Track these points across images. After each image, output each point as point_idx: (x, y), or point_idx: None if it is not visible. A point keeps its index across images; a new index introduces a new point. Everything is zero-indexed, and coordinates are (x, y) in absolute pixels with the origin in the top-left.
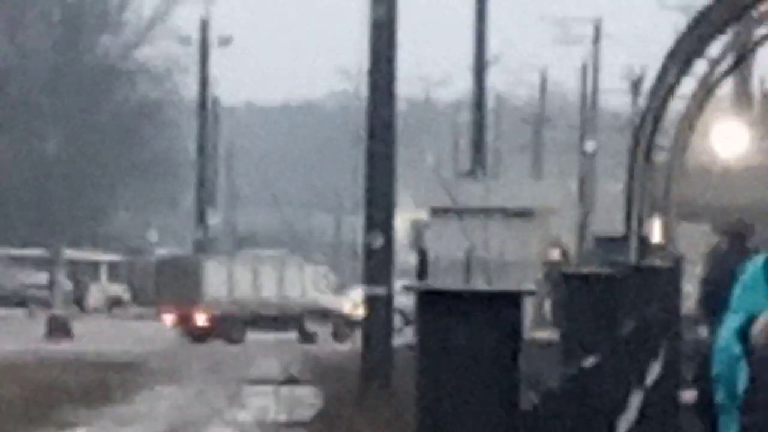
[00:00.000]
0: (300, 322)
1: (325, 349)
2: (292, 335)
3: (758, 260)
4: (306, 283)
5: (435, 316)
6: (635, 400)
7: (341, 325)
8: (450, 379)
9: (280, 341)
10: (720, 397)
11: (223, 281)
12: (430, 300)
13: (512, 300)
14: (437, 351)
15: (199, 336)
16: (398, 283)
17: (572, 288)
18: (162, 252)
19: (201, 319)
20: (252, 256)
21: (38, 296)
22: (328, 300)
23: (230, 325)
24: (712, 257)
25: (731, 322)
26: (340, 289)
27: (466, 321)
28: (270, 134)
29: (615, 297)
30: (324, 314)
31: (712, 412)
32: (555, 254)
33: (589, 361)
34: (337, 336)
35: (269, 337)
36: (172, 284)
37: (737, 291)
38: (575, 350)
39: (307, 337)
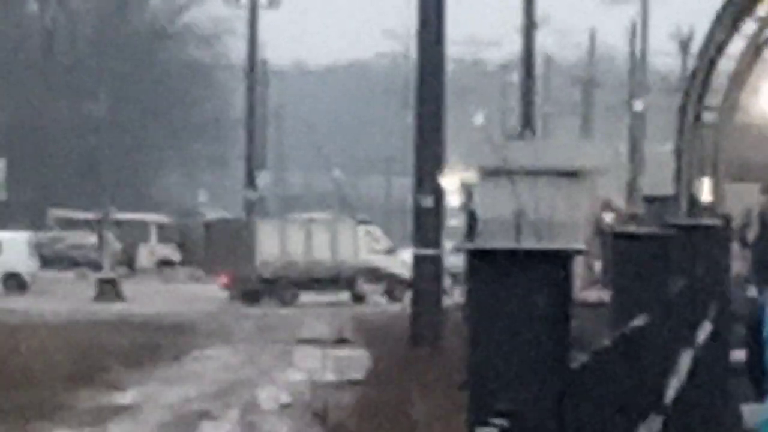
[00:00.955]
0: (352, 283)
1: (375, 310)
2: (345, 297)
3: None
4: (358, 245)
5: (486, 275)
6: (685, 360)
7: (394, 285)
8: (500, 338)
9: (333, 303)
10: None
11: (276, 243)
12: (480, 260)
13: (562, 259)
14: (488, 310)
15: (251, 298)
16: (447, 244)
17: (622, 248)
18: (212, 214)
19: (254, 282)
20: (305, 218)
21: (88, 258)
22: (380, 261)
23: (283, 288)
24: (762, 217)
25: None
26: (392, 250)
27: (517, 280)
28: (319, 96)
29: (665, 257)
30: (377, 275)
31: (761, 372)
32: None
33: (639, 321)
34: (390, 296)
35: (322, 298)
36: (224, 247)
37: None
38: (625, 310)
39: (358, 299)
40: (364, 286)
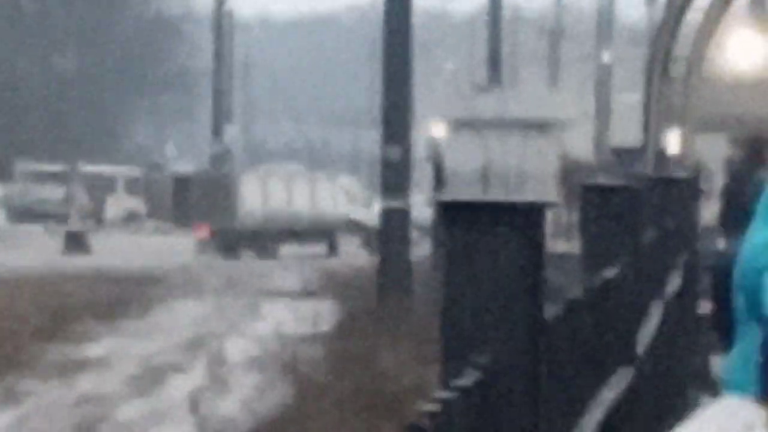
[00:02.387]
0: (331, 235)
1: (346, 262)
2: (324, 249)
3: None
4: (337, 197)
5: (459, 228)
6: (656, 310)
7: (371, 237)
8: (474, 291)
9: (307, 255)
10: (739, 307)
11: (258, 196)
12: (453, 212)
13: (535, 211)
14: (461, 263)
15: (230, 250)
16: (416, 196)
17: (591, 200)
18: (180, 166)
19: (235, 234)
20: (285, 170)
21: (55, 211)
22: (358, 213)
23: (264, 240)
24: (730, 169)
25: (756, 232)
26: (369, 202)
27: (490, 233)
28: (286, 48)
29: (634, 208)
30: (355, 227)
31: (727, 323)
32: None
33: (610, 273)
34: (369, 247)
35: (301, 251)
36: (205, 199)
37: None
38: (596, 262)
39: (333, 250)
40: (343, 239)
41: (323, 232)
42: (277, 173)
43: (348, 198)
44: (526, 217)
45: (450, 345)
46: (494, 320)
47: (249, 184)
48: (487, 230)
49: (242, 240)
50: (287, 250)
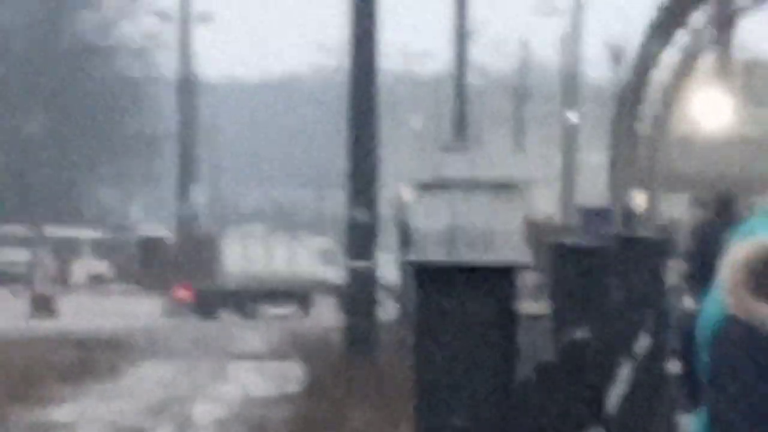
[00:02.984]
0: (306, 295)
1: (317, 323)
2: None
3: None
4: (313, 258)
5: (429, 289)
6: (625, 371)
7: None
8: (445, 352)
9: (287, 315)
10: (703, 369)
11: (239, 256)
12: (424, 273)
13: (507, 272)
14: (432, 324)
15: (209, 311)
16: (382, 257)
17: (561, 260)
18: (146, 229)
19: (217, 294)
20: (263, 231)
21: (20, 274)
22: (333, 273)
23: (244, 300)
24: (697, 229)
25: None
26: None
27: (461, 294)
28: (251, 110)
29: (603, 269)
30: (330, 287)
31: (695, 382)
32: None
33: (581, 333)
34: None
35: (281, 311)
36: (186, 259)
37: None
38: (566, 322)
39: (305, 311)
40: (318, 299)
41: (300, 293)
42: (256, 234)
43: (324, 259)
44: (497, 279)
45: (422, 406)
46: (466, 381)
47: (231, 245)
48: (458, 292)
49: (223, 300)
50: (266, 310)
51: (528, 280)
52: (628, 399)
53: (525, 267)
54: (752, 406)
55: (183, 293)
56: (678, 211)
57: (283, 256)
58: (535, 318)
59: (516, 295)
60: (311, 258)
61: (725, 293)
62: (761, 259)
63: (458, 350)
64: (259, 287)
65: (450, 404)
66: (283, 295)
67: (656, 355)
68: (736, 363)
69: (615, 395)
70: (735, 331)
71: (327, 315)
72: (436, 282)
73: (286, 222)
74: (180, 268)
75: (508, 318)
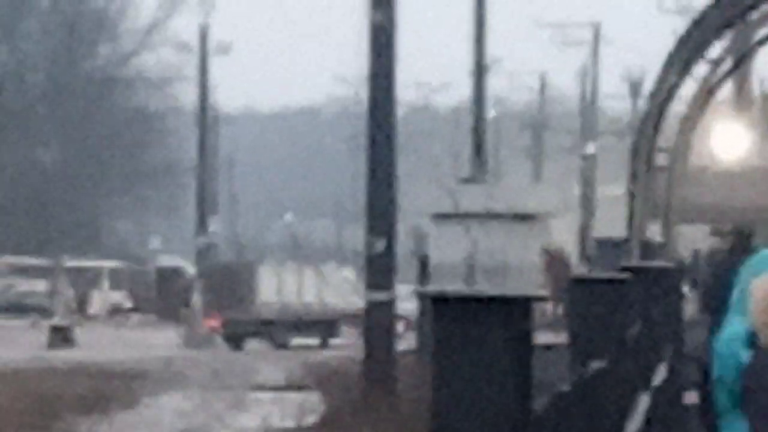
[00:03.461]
0: (335, 326)
1: (338, 354)
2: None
3: (755, 259)
4: (341, 289)
5: (447, 320)
6: (642, 402)
7: None
8: (462, 383)
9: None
10: (721, 400)
11: (273, 287)
12: (441, 305)
13: (523, 304)
14: (449, 355)
15: (241, 341)
16: (400, 289)
17: (579, 292)
18: (164, 261)
19: (249, 324)
20: (293, 262)
21: (39, 305)
22: (359, 304)
23: (274, 330)
24: (714, 260)
25: (733, 324)
26: None
27: (478, 325)
28: (270, 140)
29: (621, 301)
30: (357, 319)
31: (713, 414)
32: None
33: (598, 365)
34: None
35: (308, 341)
36: (220, 291)
37: (737, 292)
38: (583, 353)
39: (326, 342)
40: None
41: (328, 323)
42: (287, 265)
43: (352, 289)
44: (513, 310)
45: None
46: (483, 412)
47: (264, 275)
48: (475, 323)
49: (254, 330)
50: (295, 340)
51: (547, 311)
52: (646, 430)
53: (540, 299)
54: None
55: (212, 323)
56: (696, 242)
57: (312, 286)
58: (549, 348)
59: (531, 326)
60: (338, 289)
61: (757, 327)
62: None
63: (475, 380)
64: (290, 317)
65: None
66: (312, 326)
67: (674, 386)
68: None
69: (633, 427)
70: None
71: (350, 345)
72: (453, 312)
73: (304, 253)
74: (209, 299)
75: (524, 348)
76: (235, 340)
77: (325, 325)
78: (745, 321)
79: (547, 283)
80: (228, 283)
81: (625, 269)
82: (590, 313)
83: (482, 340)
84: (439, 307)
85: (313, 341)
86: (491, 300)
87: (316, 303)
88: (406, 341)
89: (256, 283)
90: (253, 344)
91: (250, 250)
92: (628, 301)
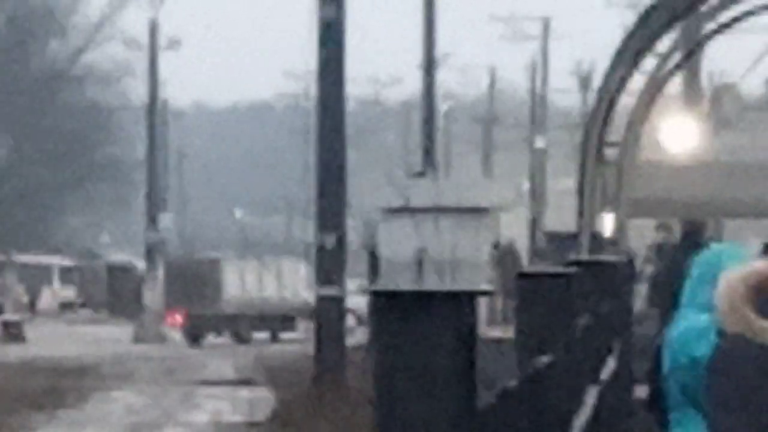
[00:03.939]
0: (292, 321)
1: (282, 349)
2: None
3: (707, 254)
4: (299, 284)
5: (391, 316)
6: (590, 396)
7: None
8: (407, 379)
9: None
10: (673, 393)
11: (237, 282)
12: (385, 301)
13: (467, 300)
14: (393, 351)
15: (201, 337)
16: (350, 284)
17: (526, 286)
18: (114, 256)
19: (213, 319)
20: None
21: None
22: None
23: (241, 325)
24: (661, 254)
25: (687, 318)
26: None
27: (422, 321)
28: (220, 136)
29: (569, 294)
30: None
31: (663, 408)
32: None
33: (545, 360)
34: None
35: (271, 335)
36: (184, 286)
37: (689, 286)
38: (530, 348)
39: (274, 337)
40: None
41: (285, 318)
42: (249, 260)
43: (308, 284)
44: (457, 306)
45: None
46: (427, 408)
47: (230, 271)
48: (418, 319)
49: (219, 326)
50: (257, 334)
51: (497, 304)
52: (594, 425)
53: (484, 294)
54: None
55: (174, 318)
56: (645, 236)
57: (271, 281)
58: (500, 343)
59: (475, 321)
60: (295, 283)
61: (724, 314)
62: (760, 280)
63: (418, 376)
64: (253, 312)
65: (410, 429)
66: (272, 320)
67: (623, 380)
68: (745, 379)
69: (580, 421)
70: (739, 349)
71: (305, 340)
72: (396, 309)
73: (255, 249)
74: (172, 294)
75: (468, 344)
76: (196, 335)
77: (281, 320)
78: (702, 316)
79: (498, 278)
80: (192, 279)
81: (573, 263)
82: (537, 308)
83: (426, 335)
84: (381, 302)
85: (278, 335)
86: (434, 295)
87: (275, 298)
88: (356, 336)
89: (222, 278)
90: (210, 339)
91: (200, 246)
92: (577, 296)
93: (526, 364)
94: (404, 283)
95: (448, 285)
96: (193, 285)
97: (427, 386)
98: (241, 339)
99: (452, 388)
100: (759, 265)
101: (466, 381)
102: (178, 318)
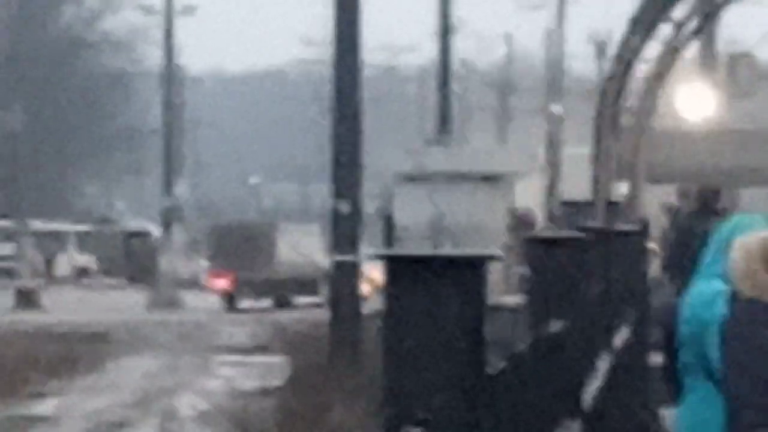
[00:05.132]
0: (315, 286)
1: (299, 316)
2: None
3: (725, 225)
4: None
5: (400, 281)
6: (603, 364)
7: None
8: (416, 344)
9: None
10: (687, 360)
11: (286, 248)
12: (395, 266)
13: (476, 265)
14: (403, 316)
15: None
16: (367, 250)
17: (538, 252)
18: (131, 223)
19: (261, 284)
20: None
21: (5, 267)
22: None
23: (287, 289)
24: (679, 221)
25: (700, 286)
26: None
27: (431, 286)
28: (236, 102)
29: (581, 261)
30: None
31: (677, 375)
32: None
33: (556, 326)
34: None
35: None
36: (234, 249)
37: (707, 255)
38: (542, 315)
39: (286, 303)
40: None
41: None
42: (295, 226)
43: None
44: (466, 271)
45: (392, 400)
46: (436, 374)
47: (282, 236)
48: (427, 284)
49: (265, 290)
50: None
51: (512, 271)
52: (607, 392)
53: (492, 258)
54: None
55: (221, 283)
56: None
57: (312, 247)
58: (512, 310)
59: (484, 286)
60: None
61: (740, 279)
62: None
63: (426, 341)
64: (297, 276)
65: (419, 395)
66: (314, 285)
67: (637, 347)
68: (760, 342)
69: (592, 388)
70: (755, 313)
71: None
72: (404, 274)
73: (270, 215)
74: (219, 259)
75: (477, 310)
76: (236, 299)
77: (311, 284)
78: (715, 282)
79: (514, 245)
80: (243, 242)
81: (585, 229)
82: (548, 274)
83: (434, 300)
84: (391, 267)
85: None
86: (442, 260)
87: (315, 263)
88: (372, 303)
89: (276, 243)
90: (248, 304)
91: (216, 213)
92: (589, 263)
93: (538, 329)
94: (419, 250)
95: (459, 251)
96: (244, 249)
97: (435, 351)
98: (282, 303)
99: (460, 353)
100: None
101: (475, 346)
102: (224, 281)
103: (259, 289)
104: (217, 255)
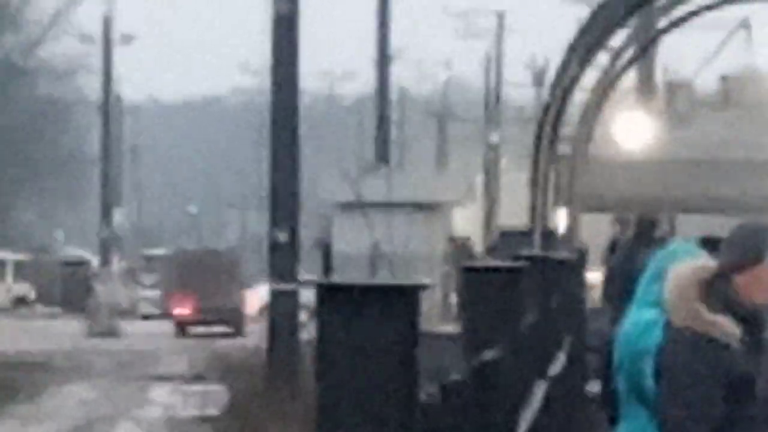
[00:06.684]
0: None
1: (233, 344)
2: None
3: (661, 252)
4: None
5: (334, 310)
6: (538, 392)
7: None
8: (349, 372)
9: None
10: (621, 386)
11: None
12: (328, 294)
13: (408, 294)
14: (336, 344)
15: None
16: (305, 278)
17: (474, 281)
18: (68, 251)
19: (225, 312)
20: None
21: None
22: None
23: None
24: (617, 249)
25: (636, 314)
26: None
27: (364, 315)
28: (174, 131)
29: (517, 289)
30: None
31: (614, 402)
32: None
33: (491, 354)
34: None
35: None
36: (197, 275)
37: (642, 283)
38: (478, 343)
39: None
40: None
41: None
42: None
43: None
44: (399, 300)
45: (325, 426)
46: (369, 402)
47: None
48: (359, 313)
49: (223, 317)
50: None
51: (449, 299)
52: (542, 419)
53: (424, 288)
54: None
55: (180, 310)
56: (599, 231)
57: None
58: (449, 338)
59: (417, 315)
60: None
61: (673, 308)
62: (707, 276)
63: (359, 370)
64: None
65: (352, 423)
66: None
67: (573, 375)
68: (693, 372)
69: (527, 416)
70: (688, 343)
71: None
72: (338, 302)
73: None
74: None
75: (409, 338)
76: (188, 326)
77: None
78: (650, 311)
79: (452, 273)
80: (204, 269)
81: (522, 258)
82: (484, 303)
83: (367, 329)
84: (324, 296)
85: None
86: (375, 289)
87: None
88: (310, 331)
89: (238, 269)
90: (196, 330)
91: (155, 241)
92: (525, 291)
93: (473, 358)
94: (356, 277)
95: (395, 279)
96: (206, 275)
97: (368, 379)
98: (239, 330)
99: (393, 381)
100: (707, 260)
101: (407, 375)
102: (183, 308)
103: (217, 316)
104: (178, 281)
